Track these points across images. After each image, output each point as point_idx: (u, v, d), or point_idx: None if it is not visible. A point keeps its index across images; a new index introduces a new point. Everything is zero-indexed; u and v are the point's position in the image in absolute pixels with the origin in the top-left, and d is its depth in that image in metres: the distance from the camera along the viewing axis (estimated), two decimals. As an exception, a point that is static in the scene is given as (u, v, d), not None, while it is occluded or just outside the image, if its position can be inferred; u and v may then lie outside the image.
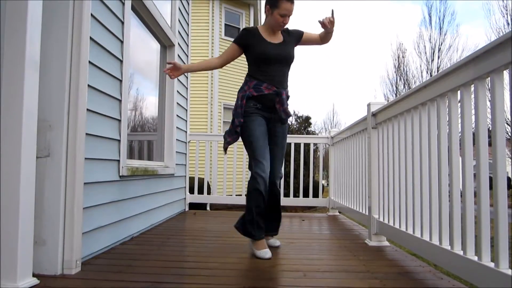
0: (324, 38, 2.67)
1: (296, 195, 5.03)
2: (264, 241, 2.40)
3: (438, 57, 20.09)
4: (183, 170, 4.59)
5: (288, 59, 2.55)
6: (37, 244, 1.82)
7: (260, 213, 2.40)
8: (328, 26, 2.53)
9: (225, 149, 2.63)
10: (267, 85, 2.46)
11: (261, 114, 2.48)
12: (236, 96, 2.58)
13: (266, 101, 2.47)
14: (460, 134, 1.67)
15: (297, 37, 2.64)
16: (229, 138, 2.56)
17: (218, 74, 11.41)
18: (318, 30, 2.68)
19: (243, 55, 2.61)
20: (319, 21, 2.53)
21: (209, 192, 5.08)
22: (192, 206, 4.87)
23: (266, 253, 2.32)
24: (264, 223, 2.45)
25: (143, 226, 3.14)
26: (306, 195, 5.00)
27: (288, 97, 2.55)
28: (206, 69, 2.70)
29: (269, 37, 2.53)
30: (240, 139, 2.58)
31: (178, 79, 4.17)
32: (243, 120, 2.46)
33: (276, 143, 2.59)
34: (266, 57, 2.48)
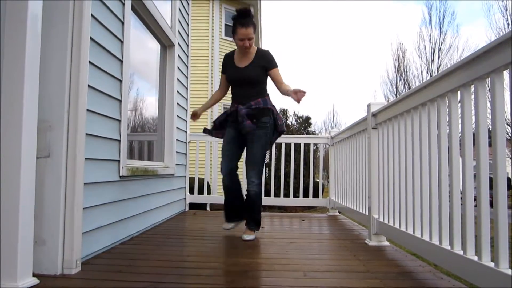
0: (282, 92, 2.87)
1: (296, 195, 5.02)
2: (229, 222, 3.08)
3: (438, 57, 20.12)
4: (183, 170, 4.59)
5: (249, 82, 2.92)
6: (37, 244, 1.82)
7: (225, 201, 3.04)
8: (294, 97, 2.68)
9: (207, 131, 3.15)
10: (233, 104, 2.97)
11: (233, 126, 2.94)
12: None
13: (232, 116, 2.93)
14: (460, 135, 1.67)
15: (266, 64, 2.91)
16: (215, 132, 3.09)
17: (218, 75, 11.42)
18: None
19: None
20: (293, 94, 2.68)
21: (209, 192, 5.08)
22: (192, 206, 4.87)
23: (226, 225, 3.08)
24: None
25: (143, 226, 3.14)
26: (306, 195, 4.99)
27: (252, 108, 2.86)
28: (214, 103, 3.22)
29: (239, 61, 2.96)
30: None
31: (178, 79, 4.18)
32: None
33: (248, 147, 2.94)
34: (232, 80, 3.00)
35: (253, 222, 2.97)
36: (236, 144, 2.97)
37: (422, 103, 2.02)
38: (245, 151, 3.01)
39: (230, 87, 3.06)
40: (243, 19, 2.80)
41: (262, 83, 2.97)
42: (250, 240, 2.85)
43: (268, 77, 2.97)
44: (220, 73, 3.11)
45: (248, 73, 2.90)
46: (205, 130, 3.14)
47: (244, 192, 3.01)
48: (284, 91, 2.85)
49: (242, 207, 3.03)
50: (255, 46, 2.99)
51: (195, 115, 3.06)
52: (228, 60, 3.02)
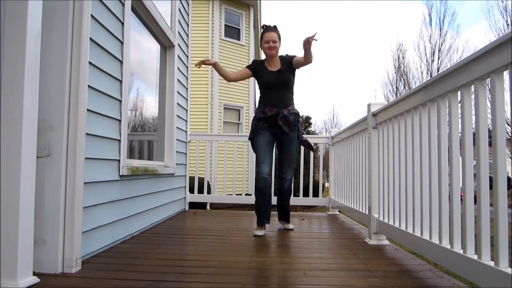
0: (306, 58, 2.99)
1: (296, 194, 5.04)
2: (262, 226, 3.13)
3: (439, 58, 20.11)
4: (183, 170, 4.59)
5: (285, 84, 3.14)
6: (37, 243, 1.83)
7: (261, 205, 3.13)
8: (306, 46, 2.84)
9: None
10: (270, 108, 3.11)
11: (269, 130, 3.15)
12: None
13: (270, 120, 3.11)
14: (460, 134, 1.67)
15: (289, 63, 3.14)
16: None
17: (218, 75, 11.41)
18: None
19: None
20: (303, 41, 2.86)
21: (209, 192, 5.08)
22: (192, 205, 4.87)
23: (259, 231, 3.07)
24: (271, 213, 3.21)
25: (143, 225, 3.14)
26: (306, 194, 5.00)
27: (291, 112, 3.14)
28: (224, 75, 3.22)
29: (270, 67, 3.17)
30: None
31: (178, 79, 4.18)
32: (255, 134, 3.17)
33: (283, 150, 3.25)
34: (268, 83, 3.14)
35: (287, 215, 3.43)
36: (271, 148, 3.20)
37: (422, 103, 2.02)
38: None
39: (262, 90, 3.20)
40: (266, 27, 3.16)
41: (293, 88, 3.22)
42: (292, 229, 3.35)
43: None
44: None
45: (283, 76, 3.13)
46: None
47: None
48: (305, 55, 2.96)
49: (269, 210, 3.21)
50: (279, 56, 3.21)
51: (202, 63, 3.06)
52: (259, 65, 3.20)
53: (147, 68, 3.77)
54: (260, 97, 3.24)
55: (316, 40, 2.77)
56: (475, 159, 1.54)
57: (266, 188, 3.06)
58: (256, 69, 3.18)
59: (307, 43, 2.80)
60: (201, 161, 5.22)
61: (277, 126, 3.12)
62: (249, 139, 3.26)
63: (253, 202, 3.26)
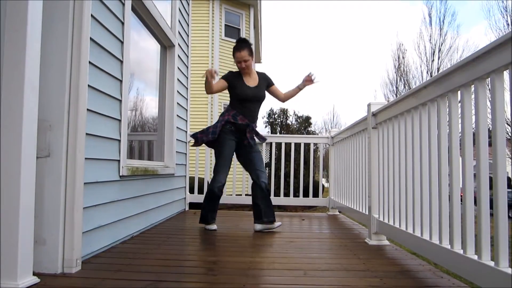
0: (286, 96, 3.46)
1: (296, 195, 5.03)
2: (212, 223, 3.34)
3: (439, 58, 20.12)
4: (183, 170, 4.59)
5: (259, 99, 3.32)
6: (37, 243, 1.83)
7: (210, 207, 3.31)
8: (307, 83, 3.36)
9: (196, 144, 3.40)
10: (242, 117, 3.22)
11: (234, 136, 3.25)
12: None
13: (238, 127, 3.23)
14: (460, 134, 1.67)
15: (267, 83, 3.39)
16: (200, 138, 3.28)
17: (219, 74, 11.41)
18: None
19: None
20: (305, 79, 3.35)
21: (209, 192, 5.07)
22: (192, 205, 4.87)
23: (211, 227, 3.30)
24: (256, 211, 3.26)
25: (143, 226, 3.14)
26: (306, 195, 4.99)
27: (256, 129, 3.34)
28: (210, 86, 3.15)
29: (248, 81, 3.28)
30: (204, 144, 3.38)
31: (178, 79, 4.18)
32: (221, 135, 3.22)
33: (251, 154, 3.30)
34: (244, 96, 3.23)
35: (272, 212, 3.25)
36: (231, 158, 3.30)
37: (422, 103, 2.02)
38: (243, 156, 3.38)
39: (236, 101, 3.25)
40: (238, 44, 3.22)
41: (261, 104, 3.38)
42: (278, 226, 3.27)
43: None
44: (221, 76, 3.32)
45: (259, 92, 3.30)
46: (197, 139, 3.31)
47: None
48: (289, 94, 3.44)
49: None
50: (255, 71, 3.38)
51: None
52: (237, 77, 3.28)
53: (147, 67, 3.77)
54: (231, 105, 3.28)
55: (317, 81, 3.33)
56: (475, 159, 1.54)
57: (220, 194, 3.27)
58: (233, 82, 3.24)
59: (309, 82, 3.31)
60: (201, 161, 5.22)
61: (243, 133, 3.25)
62: (210, 137, 3.22)
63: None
